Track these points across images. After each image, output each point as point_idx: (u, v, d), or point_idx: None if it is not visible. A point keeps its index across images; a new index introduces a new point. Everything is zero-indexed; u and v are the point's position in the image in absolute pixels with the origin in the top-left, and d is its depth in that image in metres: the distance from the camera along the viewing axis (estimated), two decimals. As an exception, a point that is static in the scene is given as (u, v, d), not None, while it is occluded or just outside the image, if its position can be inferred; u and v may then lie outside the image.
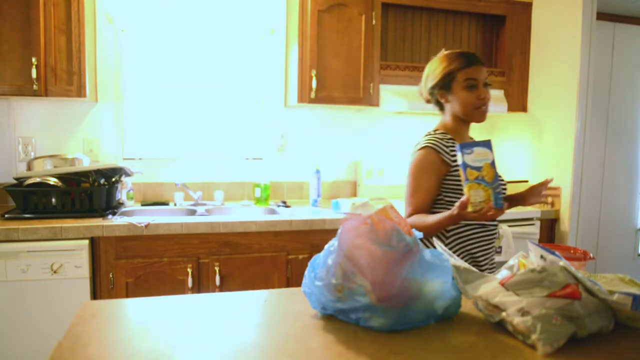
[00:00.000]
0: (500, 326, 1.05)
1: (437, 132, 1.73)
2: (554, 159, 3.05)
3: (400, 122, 3.40)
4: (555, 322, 0.95)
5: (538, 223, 2.94)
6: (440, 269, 1.04)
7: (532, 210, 2.94)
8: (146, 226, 2.29)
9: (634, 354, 0.97)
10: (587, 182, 3.37)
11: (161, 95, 3.05)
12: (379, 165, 3.26)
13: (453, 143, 1.67)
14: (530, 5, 3.24)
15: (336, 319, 1.10)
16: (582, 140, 2.94)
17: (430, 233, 1.60)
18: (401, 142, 3.39)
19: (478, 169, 1.37)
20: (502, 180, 1.61)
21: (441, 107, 1.78)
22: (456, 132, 1.73)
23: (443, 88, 1.71)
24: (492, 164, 1.38)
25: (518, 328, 0.98)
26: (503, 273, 1.16)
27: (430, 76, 1.74)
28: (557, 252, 1.11)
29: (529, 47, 3.26)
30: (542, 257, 1.10)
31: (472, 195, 1.37)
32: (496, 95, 3.17)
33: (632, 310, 1.04)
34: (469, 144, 1.39)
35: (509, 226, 2.77)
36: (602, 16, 3.70)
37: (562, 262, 1.06)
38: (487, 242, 1.73)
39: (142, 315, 1.14)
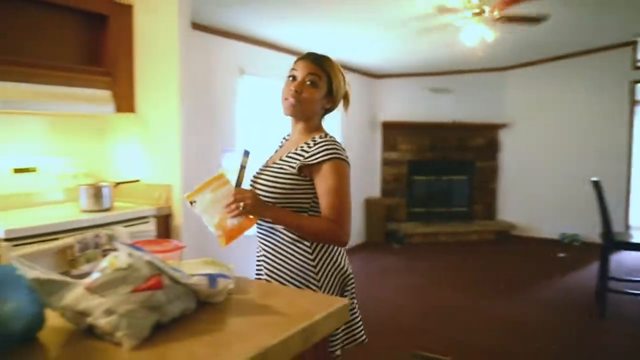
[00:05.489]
0: (92, 332, 1.03)
1: None
2: (163, 157, 3.20)
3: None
4: (140, 314, 1.00)
5: (154, 220, 3.02)
6: (11, 287, 0.94)
7: (146, 209, 3.00)
8: None
9: (211, 326, 1.11)
10: (196, 178, 3.69)
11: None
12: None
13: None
14: (131, 7, 3.27)
15: None
16: (187, 139, 3.19)
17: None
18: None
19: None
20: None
21: None
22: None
23: None
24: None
25: (105, 329, 0.98)
26: (94, 276, 1.15)
27: None
28: (143, 248, 1.16)
29: (132, 49, 3.30)
30: (129, 254, 1.13)
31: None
32: (103, 96, 3.09)
33: (210, 288, 1.19)
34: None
35: (125, 227, 2.76)
36: (197, 27, 4.12)
37: (148, 257, 1.12)
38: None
39: None
